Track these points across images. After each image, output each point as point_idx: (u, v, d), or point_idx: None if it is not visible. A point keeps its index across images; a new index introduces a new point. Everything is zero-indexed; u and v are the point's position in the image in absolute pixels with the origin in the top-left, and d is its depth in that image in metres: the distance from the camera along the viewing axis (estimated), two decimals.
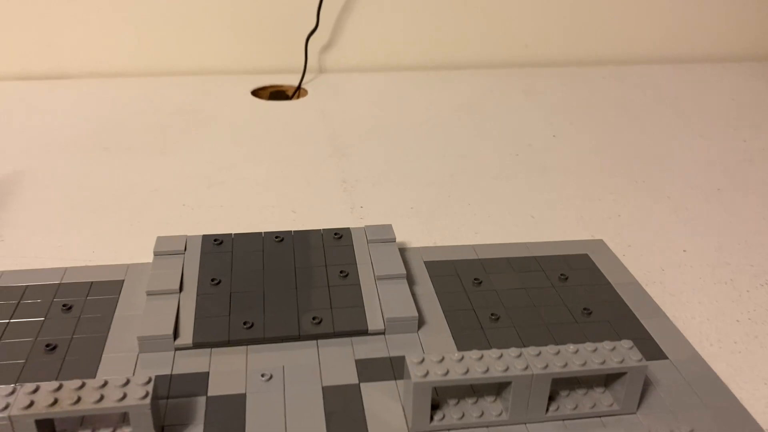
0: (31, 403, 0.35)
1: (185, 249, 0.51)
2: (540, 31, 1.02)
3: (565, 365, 0.38)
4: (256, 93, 0.92)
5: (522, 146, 0.76)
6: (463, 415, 0.39)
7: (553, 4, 1.01)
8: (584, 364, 0.39)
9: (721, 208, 0.64)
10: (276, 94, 0.95)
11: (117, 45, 0.94)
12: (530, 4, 1.00)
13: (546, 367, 0.38)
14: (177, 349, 0.44)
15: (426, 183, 0.67)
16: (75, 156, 0.71)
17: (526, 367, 0.38)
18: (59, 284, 0.50)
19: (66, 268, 0.52)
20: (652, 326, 0.48)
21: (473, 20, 1.00)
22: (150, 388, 0.36)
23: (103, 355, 0.44)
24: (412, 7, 0.98)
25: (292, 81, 0.95)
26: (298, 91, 0.94)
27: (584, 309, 0.49)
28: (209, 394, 0.41)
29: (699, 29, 1.06)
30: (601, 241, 0.57)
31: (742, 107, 0.89)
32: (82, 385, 0.36)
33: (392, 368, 0.43)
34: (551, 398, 0.40)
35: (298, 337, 0.45)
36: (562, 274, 0.52)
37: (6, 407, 0.35)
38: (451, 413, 0.39)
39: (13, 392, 0.36)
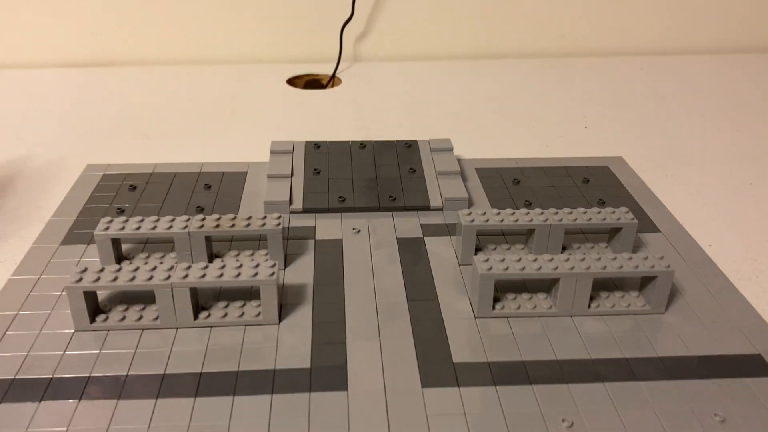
0: (202, 225, 0.52)
1: (293, 149, 0.67)
2: (577, 21, 1.04)
3: (575, 220, 0.53)
4: (292, 82, 0.95)
5: (553, 137, 0.78)
6: (504, 260, 0.54)
7: None
8: (590, 219, 0.53)
9: (753, 202, 0.64)
10: (311, 82, 0.98)
11: (158, 34, 0.99)
12: None
13: (561, 220, 0.53)
14: (291, 212, 0.60)
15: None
16: (117, 142, 0.76)
17: (546, 220, 0.53)
18: (199, 172, 0.67)
19: (203, 163, 0.69)
20: (653, 213, 0.61)
21: (509, 10, 1.02)
22: (281, 221, 0.52)
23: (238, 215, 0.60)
24: None
25: (327, 70, 0.98)
26: (332, 80, 0.97)
27: (599, 200, 0.63)
28: (316, 238, 0.57)
29: (738, 19, 1.06)
30: (621, 157, 0.71)
31: None
32: (234, 218, 0.53)
33: (447, 230, 0.58)
34: (565, 247, 0.55)
35: (378, 209, 0.61)
36: (584, 178, 0.66)
37: (185, 227, 0.51)
38: (491, 255, 0.54)
39: (188, 219, 0.52)
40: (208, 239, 0.52)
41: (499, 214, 0.53)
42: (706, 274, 0.53)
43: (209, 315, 0.47)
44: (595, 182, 0.66)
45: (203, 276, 0.46)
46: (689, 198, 0.65)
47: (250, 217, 0.52)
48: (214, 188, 0.64)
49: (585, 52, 1.06)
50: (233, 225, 0.52)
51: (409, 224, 0.59)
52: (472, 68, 1.00)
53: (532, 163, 0.70)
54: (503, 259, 0.48)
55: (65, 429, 0.38)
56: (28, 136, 0.77)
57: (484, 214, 0.53)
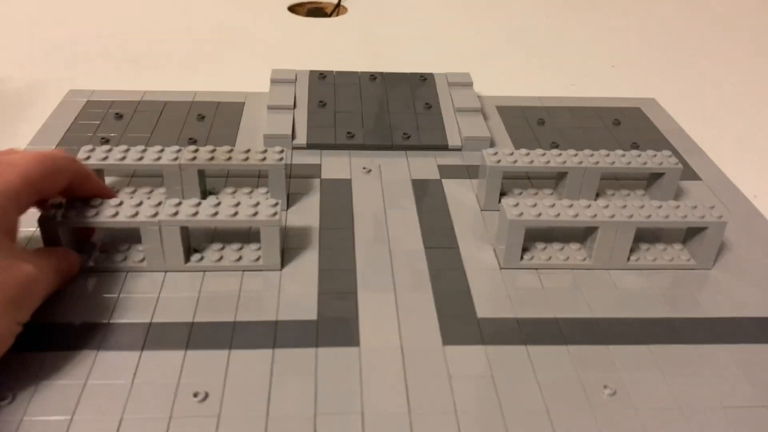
0: (194, 158, 0.46)
1: (296, 79, 0.61)
2: None
3: (613, 163, 0.47)
4: (294, 9, 0.89)
5: (578, 76, 0.72)
6: (536, 205, 0.48)
7: None
8: (629, 163, 0.47)
9: None
10: (314, 11, 0.91)
11: None
12: None
13: (597, 163, 0.47)
14: (294, 148, 0.54)
15: None
16: (101, 67, 0.69)
17: (581, 162, 0.47)
18: (192, 101, 0.61)
19: (196, 92, 0.62)
20: (692, 159, 0.56)
21: None
22: (284, 155, 0.47)
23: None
24: None
25: None
26: (337, 9, 0.90)
27: (632, 143, 0.57)
28: (322, 177, 0.51)
29: None
30: (654, 99, 0.65)
31: None
32: (231, 150, 0.47)
33: (468, 172, 0.53)
34: (598, 194, 0.49)
35: (391, 147, 0.55)
36: (615, 120, 0.61)
37: (176, 159, 0.46)
38: (521, 200, 0.49)
39: (179, 150, 0.46)
40: (202, 174, 0.47)
41: (528, 154, 0.48)
42: (754, 226, 0.48)
43: (202, 258, 0.42)
44: (627, 125, 0.60)
45: (196, 214, 0.40)
46: (730, 145, 0.59)
47: (248, 150, 0.47)
48: (208, 119, 0.58)
49: None
50: (230, 158, 0.46)
51: (425, 165, 0.53)
52: (488, 0, 0.93)
53: (557, 102, 0.64)
54: (535, 205, 0.42)
55: (38, 381, 0.33)
56: (2, 57, 0.70)
57: (512, 154, 0.48)
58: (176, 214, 0.40)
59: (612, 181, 0.52)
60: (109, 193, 0.42)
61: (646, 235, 0.46)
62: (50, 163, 0.37)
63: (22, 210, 0.36)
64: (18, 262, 0.33)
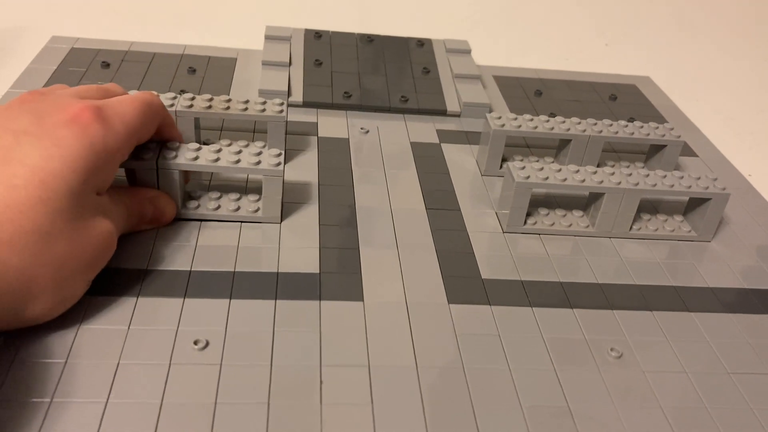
0: (191, 105, 0.44)
1: (291, 37, 0.59)
2: None
3: (617, 133, 0.47)
4: None
5: (572, 51, 0.72)
6: (543, 169, 0.47)
7: None
8: (632, 134, 0.47)
9: None
10: None
11: None
12: None
13: (601, 132, 0.47)
14: (290, 105, 0.53)
15: None
16: (83, 17, 0.66)
17: (585, 130, 0.47)
18: (182, 54, 0.59)
19: (186, 45, 0.60)
20: (688, 137, 0.56)
21: None
22: (284, 107, 0.45)
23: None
24: None
25: None
26: None
27: (630, 118, 0.57)
28: (319, 135, 0.50)
29: None
30: (648, 77, 0.65)
31: None
32: (230, 100, 0.45)
33: (467, 138, 0.52)
34: (599, 165, 0.49)
35: (389, 109, 0.54)
36: (612, 95, 0.60)
37: (172, 105, 0.44)
38: (526, 164, 0.48)
39: (175, 97, 0.44)
40: (197, 123, 0.45)
41: (532, 120, 0.47)
42: (751, 203, 0.48)
43: (198, 206, 0.40)
44: (623, 100, 0.60)
45: (196, 159, 0.39)
46: (724, 125, 0.59)
47: (247, 101, 0.45)
48: (199, 73, 0.56)
49: None
50: (228, 108, 0.44)
51: (424, 129, 0.52)
52: None
53: (554, 75, 0.63)
54: (542, 168, 0.42)
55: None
56: None
57: (516, 119, 0.47)
58: (175, 157, 0.38)
59: (611, 154, 0.51)
60: (182, 141, 0.41)
61: (647, 206, 0.46)
62: (149, 111, 0.36)
63: (121, 162, 0.35)
64: (100, 220, 0.32)
